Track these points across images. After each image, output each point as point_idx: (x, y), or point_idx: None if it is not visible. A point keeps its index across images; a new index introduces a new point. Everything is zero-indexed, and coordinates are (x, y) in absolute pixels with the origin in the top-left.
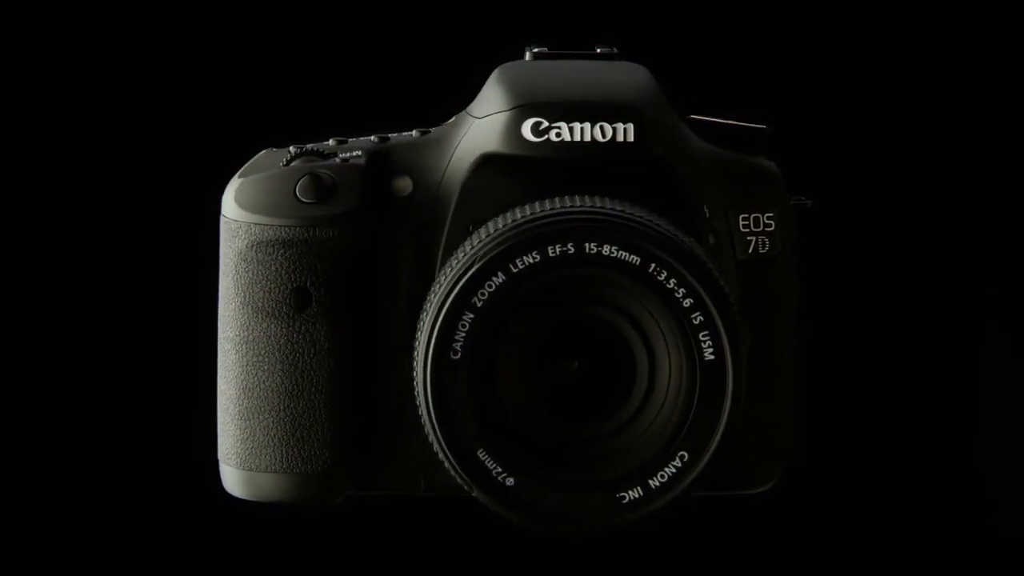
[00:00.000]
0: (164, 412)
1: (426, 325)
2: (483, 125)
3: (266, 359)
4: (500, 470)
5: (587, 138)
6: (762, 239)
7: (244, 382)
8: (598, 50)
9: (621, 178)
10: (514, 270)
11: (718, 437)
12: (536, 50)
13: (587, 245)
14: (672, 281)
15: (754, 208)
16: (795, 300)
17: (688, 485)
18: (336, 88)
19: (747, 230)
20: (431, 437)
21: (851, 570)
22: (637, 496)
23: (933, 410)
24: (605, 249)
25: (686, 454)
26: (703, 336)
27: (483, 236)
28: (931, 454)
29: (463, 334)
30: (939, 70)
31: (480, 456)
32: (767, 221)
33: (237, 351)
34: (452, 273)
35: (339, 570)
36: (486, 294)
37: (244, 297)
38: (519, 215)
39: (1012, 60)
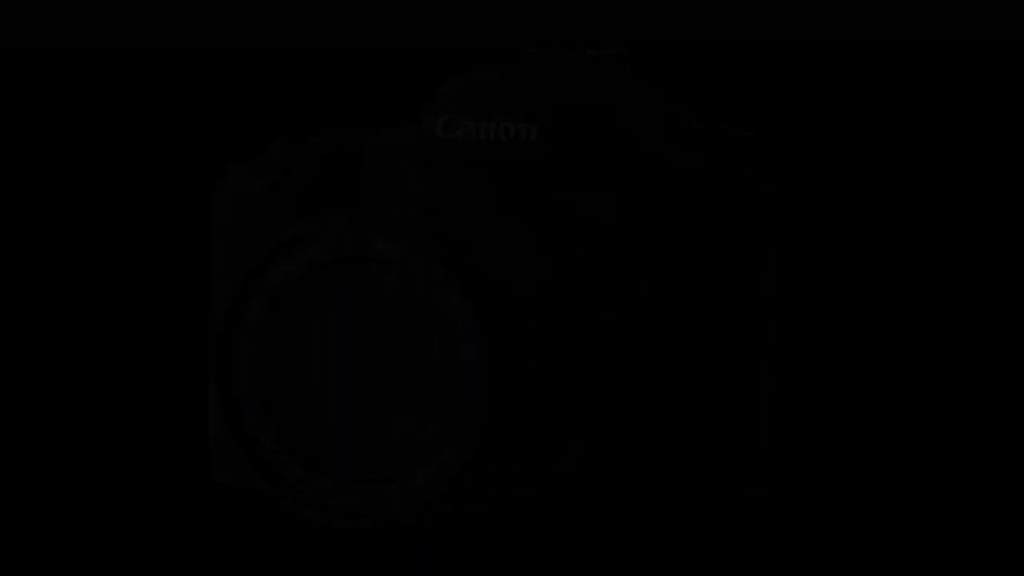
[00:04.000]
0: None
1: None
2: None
3: None
4: (290, 462)
5: (492, 137)
6: (704, 243)
7: None
8: (592, 51)
9: (531, 177)
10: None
11: (476, 433)
12: (530, 50)
13: (350, 240)
14: (437, 279)
15: (697, 211)
16: (765, 305)
17: (457, 482)
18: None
19: (687, 234)
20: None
21: None
22: (410, 490)
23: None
24: (371, 244)
25: (451, 450)
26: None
27: None
28: (929, 455)
29: (251, 324)
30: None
31: (269, 448)
32: (717, 227)
33: None
34: None
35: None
36: (272, 284)
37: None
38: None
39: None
